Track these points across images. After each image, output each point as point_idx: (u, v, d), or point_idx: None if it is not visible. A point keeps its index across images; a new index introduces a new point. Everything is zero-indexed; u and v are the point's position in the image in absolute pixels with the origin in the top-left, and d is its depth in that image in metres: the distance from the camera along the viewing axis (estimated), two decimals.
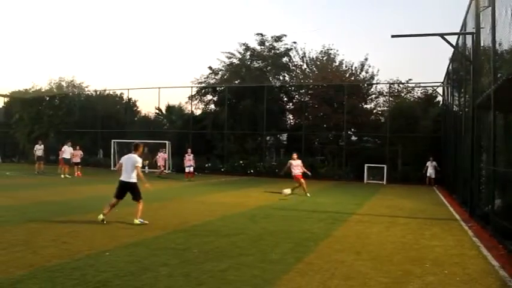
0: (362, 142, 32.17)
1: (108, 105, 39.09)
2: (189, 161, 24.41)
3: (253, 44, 35.13)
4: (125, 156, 10.16)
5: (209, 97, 36.40)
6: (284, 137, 35.39)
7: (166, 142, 30.14)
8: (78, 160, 24.74)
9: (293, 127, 34.27)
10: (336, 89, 30.81)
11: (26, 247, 6.90)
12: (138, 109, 42.04)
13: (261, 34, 34.87)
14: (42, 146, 26.45)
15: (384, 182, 25.66)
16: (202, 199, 14.89)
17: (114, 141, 32.49)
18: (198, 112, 36.36)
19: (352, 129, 31.79)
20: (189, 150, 24.86)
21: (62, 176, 23.03)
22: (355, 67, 33.04)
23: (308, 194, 16.82)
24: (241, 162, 30.63)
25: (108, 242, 7.41)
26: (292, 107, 35.41)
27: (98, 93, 40.40)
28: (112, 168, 31.51)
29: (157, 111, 39.27)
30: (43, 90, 40.10)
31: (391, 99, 31.27)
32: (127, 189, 9.89)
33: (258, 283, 5.37)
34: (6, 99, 44.12)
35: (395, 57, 69.36)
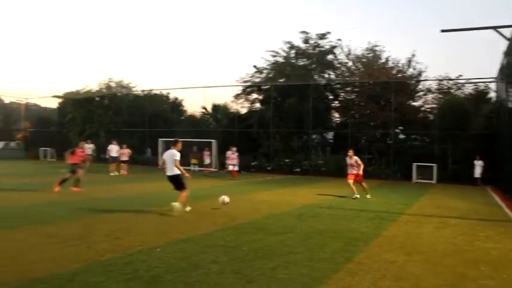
0: (410, 140, 31.37)
1: (155, 104, 39.88)
2: (233, 159, 24.36)
3: (298, 42, 35.00)
4: (166, 153, 10.98)
5: (254, 96, 36.56)
6: (330, 135, 35.09)
7: (213, 141, 30.49)
8: (126, 158, 25.49)
9: (339, 125, 33.91)
10: (382, 86, 30.24)
11: (80, 241, 7.16)
12: (184, 108, 42.71)
13: (306, 32, 34.70)
14: (92, 145, 27.36)
15: (433, 182, 25.00)
16: (249, 197, 14.99)
17: (161, 140, 33.15)
18: (243, 111, 36.57)
19: (400, 127, 31.11)
20: (234, 149, 24.81)
21: (111, 174, 23.82)
22: (402, 64, 32.28)
23: (367, 196, 16.04)
24: (287, 160, 30.61)
25: (159, 238, 7.58)
26: (338, 104, 35.02)
27: (146, 93, 41.32)
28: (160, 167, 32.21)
29: (203, 110, 39.80)
30: (93, 91, 41.39)
31: (440, 96, 30.40)
32: (172, 182, 10.65)
33: (307, 282, 5.36)
34: (60, 100, 45.86)
35: (444, 53, 67.49)
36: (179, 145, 11.03)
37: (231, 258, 6.38)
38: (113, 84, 41.34)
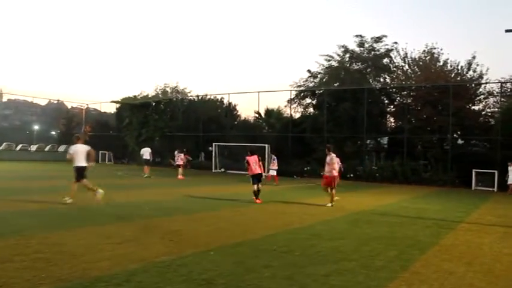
0: (469, 146, 30.30)
1: (209, 109, 40.52)
2: (273, 164, 23.88)
3: (352, 45, 34.63)
4: (76, 147, 13.20)
5: (308, 100, 36.45)
6: (385, 140, 34.43)
7: (266, 145, 30.59)
8: (182, 163, 25.96)
9: (394, 130, 33.22)
10: (440, 89, 29.38)
11: (137, 243, 7.34)
12: (238, 113, 43.16)
13: (360, 35, 34.29)
14: (149, 149, 28.12)
15: (495, 189, 23.97)
16: (302, 202, 14.91)
17: (215, 145, 33.59)
18: (297, 115, 36.56)
19: (458, 132, 30.07)
20: (273, 155, 24.52)
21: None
22: (461, 66, 31.20)
23: (329, 204, 13.91)
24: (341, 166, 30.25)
25: (212, 242, 7.65)
26: (393, 109, 34.36)
27: (200, 98, 42.06)
28: (213, 171, 32.62)
29: (256, 115, 40.04)
30: (150, 96, 42.52)
31: (502, 99, 29.16)
32: (80, 171, 12.64)
33: None
34: (117, 105, 47.43)
35: (508, 54, 64.56)
36: (81, 140, 13.54)
37: (284, 263, 6.35)
38: (168, 90, 42.39)
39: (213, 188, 19.04)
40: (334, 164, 13.96)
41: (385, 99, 34.43)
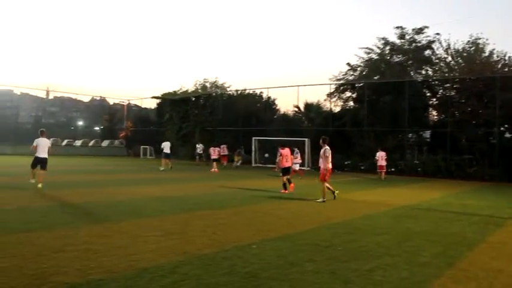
0: None
1: (248, 104, 40.64)
2: (295, 158, 22.87)
3: (393, 38, 34.00)
4: (41, 140, 14.39)
5: (348, 94, 36.09)
6: (427, 134, 33.67)
7: (306, 140, 30.45)
8: (216, 157, 26.60)
9: (437, 124, 32.42)
10: (485, 81, 28.42)
11: (180, 235, 7.46)
12: (277, 107, 43.12)
13: (401, 27, 33.62)
14: (201, 145, 28.65)
15: None
16: (343, 197, 14.74)
17: (254, 139, 33.68)
18: (336, 109, 36.26)
19: (506, 125, 29.05)
20: (296, 148, 23.95)
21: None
22: (509, 57, 30.06)
23: (318, 200, 13.15)
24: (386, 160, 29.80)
25: (254, 235, 7.69)
26: (435, 102, 33.53)
27: (239, 92, 42.23)
28: (253, 165, 32.77)
29: (295, 109, 39.91)
30: (190, 91, 42.99)
31: None
32: (43, 162, 14.13)
33: (407, 286, 5.15)
34: (158, 101, 48.23)
35: None
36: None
37: (327, 257, 6.32)
38: (208, 85, 42.73)
39: (252, 182, 19.11)
40: (328, 157, 13.32)
41: (427, 92, 33.66)
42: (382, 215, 10.96)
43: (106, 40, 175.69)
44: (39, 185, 13.67)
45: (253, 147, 33.83)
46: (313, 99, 39.54)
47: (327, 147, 13.38)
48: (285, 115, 41.77)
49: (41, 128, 15.31)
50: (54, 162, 25.47)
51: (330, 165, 13.48)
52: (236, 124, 37.59)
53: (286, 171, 15.39)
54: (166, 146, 26.31)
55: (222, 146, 32.03)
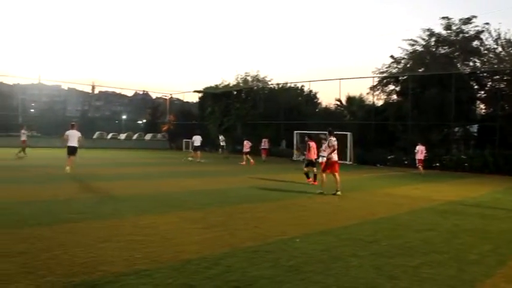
0: None
1: (290, 97, 40.49)
2: (324, 151, 22.74)
3: (439, 29, 32.97)
4: (72, 132, 17.15)
5: (391, 87, 35.31)
6: (474, 128, 32.58)
7: (348, 133, 30.10)
8: (248, 150, 26.89)
9: (485, 117, 31.29)
10: None
11: (224, 228, 7.50)
12: (319, 101, 42.79)
13: (447, 17, 32.51)
14: (200, 137, 29.25)
15: None
16: (387, 191, 14.54)
17: (296, 132, 33.58)
18: (379, 103, 35.60)
19: None
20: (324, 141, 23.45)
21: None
22: None
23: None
24: (425, 155, 29.06)
25: (298, 229, 7.65)
26: (484, 95, 32.34)
27: (281, 86, 42.12)
28: (294, 158, 32.70)
29: (337, 102, 39.48)
30: (231, 85, 43.20)
31: None
32: (74, 151, 17.02)
33: (456, 284, 4.99)
34: (200, 94, 48.73)
35: None
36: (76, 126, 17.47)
37: (371, 252, 6.22)
38: (249, 78, 42.80)
39: (293, 175, 19.03)
40: (330, 148, 13.25)
41: (474, 84, 32.49)
42: (428, 210, 10.69)
43: (149, 35, 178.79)
44: (67, 168, 16.38)
45: (294, 140, 33.74)
46: (355, 92, 38.98)
47: (332, 138, 13.30)
48: (326, 109, 41.41)
49: (72, 122, 18.13)
50: (100, 155, 26.17)
51: (335, 156, 13.34)
52: (277, 118, 37.52)
53: (312, 163, 15.93)
54: (196, 140, 28.06)
55: (263, 139, 32.18)
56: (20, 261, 5.13)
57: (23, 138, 25.22)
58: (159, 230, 7.09)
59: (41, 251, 5.58)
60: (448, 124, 29.71)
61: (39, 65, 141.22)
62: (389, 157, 30.22)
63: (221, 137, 32.01)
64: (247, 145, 27.26)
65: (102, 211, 8.72)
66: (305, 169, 16.11)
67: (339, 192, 12.88)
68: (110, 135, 51.67)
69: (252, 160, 26.08)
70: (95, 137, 49.91)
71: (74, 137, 17.15)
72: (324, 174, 13.46)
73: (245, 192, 12.91)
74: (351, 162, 29.62)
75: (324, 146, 20.20)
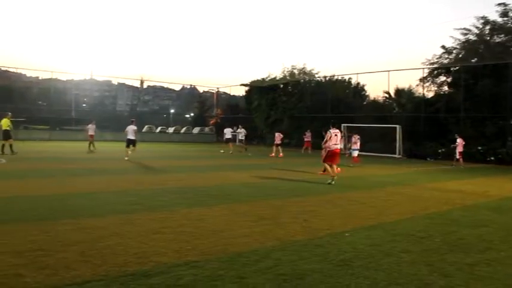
0: None
1: (337, 90, 40.01)
2: (355, 144, 21.79)
3: (494, 16, 31.61)
4: (130, 127, 20.64)
5: (442, 78, 34.25)
6: None
7: (397, 126, 29.47)
8: (279, 142, 27.21)
9: None
10: None
11: (272, 221, 7.52)
12: (367, 93, 42.10)
13: (504, 4, 31.09)
14: (230, 129, 29.61)
15: None
16: (438, 186, 14.14)
17: (343, 126, 33.18)
18: (430, 95, 34.62)
19: None
20: (357, 134, 22.72)
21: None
22: None
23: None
24: (479, 148, 28.06)
25: (347, 223, 7.58)
26: None
27: (327, 78, 41.67)
28: (342, 152, 32.30)
29: (386, 95, 38.68)
30: (278, 78, 43.10)
31: None
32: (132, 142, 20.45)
33: None
34: (246, 88, 48.92)
35: None
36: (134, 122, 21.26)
37: (423, 249, 6.07)
38: (296, 71, 42.54)
39: (343, 169, 18.84)
40: (329, 138, 13.83)
41: None
42: (482, 206, 10.32)
43: (195, 30, 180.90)
44: (126, 158, 19.48)
45: (342, 134, 33.37)
46: (404, 84, 38.10)
47: (332, 129, 13.92)
48: (374, 101, 40.62)
49: (132, 118, 22.28)
50: (149, 148, 26.76)
51: (335, 146, 13.84)
52: (324, 111, 37.16)
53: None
54: (227, 132, 29.55)
55: (306, 132, 32.03)
56: (77, 250, 5.34)
57: (91, 132, 26.18)
58: (208, 223, 7.19)
59: (96, 240, 5.79)
60: (504, 116, 28.49)
61: (91, 61, 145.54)
62: (440, 150, 29.36)
63: (240, 130, 31.79)
64: (278, 137, 27.50)
65: (153, 203, 8.92)
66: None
67: (333, 182, 13.33)
68: (158, 129, 52.66)
69: (281, 153, 26.48)
70: (144, 130, 51.09)
71: (131, 130, 20.55)
72: (326, 164, 14.02)
73: (292, 186, 12.88)
74: (399, 156, 28.97)
75: (353, 139, 19.98)
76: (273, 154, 26.64)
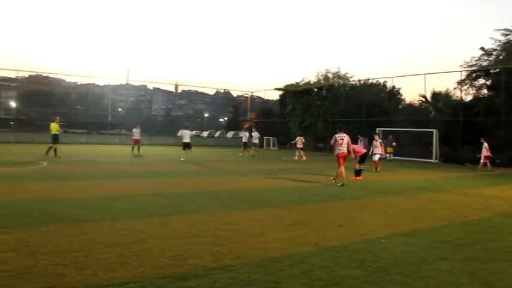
0: None
1: (372, 93, 39.53)
2: (376, 148, 20.63)
3: None
4: (185, 131, 22.95)
5: (481, 81, 33.35)
6: None
7: (433, 130, 28.88)
8: (301, 146, 27.61)
9: None
10: None
11: (308, 226, 7.48)
12: (402, 97, 41.44)
13: None
14: (257, 133, 29.44)
15: None
16: (477, 192, 13.76)
17: (378, 130, 32.76)
18: (468, 98, 33.77)
19: None
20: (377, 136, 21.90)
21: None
22: None
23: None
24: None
25: (383, 229, 7.45)
26: None
27: (362, 82, 41.23)
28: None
29: (422, 98, 37.96)
30: (312, 82, 42.90)
31: None
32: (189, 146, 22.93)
33: None
34: (280, 92, 48.89)
35: None
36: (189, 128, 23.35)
37: (463, 257, 5.89)
38: (330, 75, 42.24)
39: (377, 174, 18.58)
40: (336, 142, 14.27)
41: None
42: None
43: (229, 35, 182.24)
44: (182, 159, 22.28)
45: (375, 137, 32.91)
46: (441, 87, 37.16)
47: (339, 134, 14.28)
48: (410, 105, 39.91)
49: (186, 124, 24.72)
50: (184, 152, 27.04)
51: (343, 151, 14.19)
52: (359, 115, 36.75)
53: (362, 159, 16.25)
54: (243, 136, 30.75)
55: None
56: (115, 251, 5.44)
57: (136, 137, 26.79)
58: (244, 227, 7.20)
59: (133, 242, 5.88)
60: None
61: (128, 66, 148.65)
62: (478, 155, 28.57)
63: (254, 133, 31.34)
64: (300, 141, 27.84)
65: (190, 206, 9.00)
66: (358, 165, 16.18)
67: (335, 182, 14.20)
68: (193, 133, 53.22)
69: (304, 157, 26.87)
70: (178, 134, 51.69)
71: (187, 135, 23.75)
72: (341, 168, 14.16)
73: (326, 190, 12.78)
74: (436, 161, 28.39)
75: (374, 143, 19.63)
76: (296, 157, 27.15)
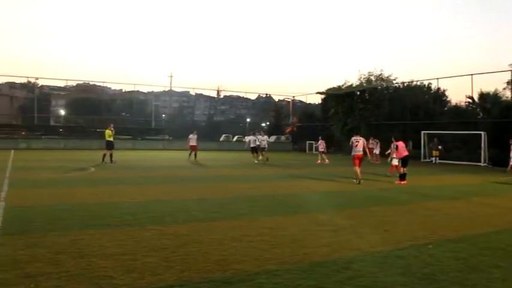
0: None
1: (416, 96, 38.69)
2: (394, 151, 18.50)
3: None
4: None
5: None
6: None
7: (482, 133, 27.98)
8: (323, 149, 27.62)
9: None
10: None
11: (352, 231, 7.41)
12: (448, 99, 40.35)
13: None
14: (266, 136, 28.84)
15: None
16: None
17: (423, 133, 32.05)
18: None
19: None
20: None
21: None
22: None
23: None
24: None
25: (429, 235, 7.28)
26: None
27: (406, 84, 40.42)
28: (421, 160, 31.22)
29: (468, 99, 36.81)
30: (354, 85, 42.36)
31: None
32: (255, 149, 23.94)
33: None
34: (322, 96, 48.56)
35: None
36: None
37: None
38: (372, 78, 41.58)
39: (422, 178, 18.16)
40: (353, 144, 15.33)
41: None
42: None
43: (271, 39, 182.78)
44: (256, 161, 25.00)
45: (422, 141, 32.20)
46: (489, 88, 35.87)
47: (355, 137, 15.64)
48: (456, 107, 38.74)
49: (258, 130, 24.17)
50: (227, 156, 27.31)
51: (358, 152, 15.19)
52: (403, 118, 36.02)
53: (404, 162, 15.93)
54: (252, 141, 28.18)
55: (370, 139, 30.64)
56: (161, 255, 5.57)
57: (193, 143, 27.05)
58: (287, 232, 7.21)
59: (178, 247, 6.00)
60: None
61: (171, 73, 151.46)
62: None
63: (263, 137, 29.62)
64: (321, 144, 27.76)
65: (233, 211, 9.10)
66: (402, 169, 15.91)
67: (356, 181, 15.04)
68: (235, 138, 53.56)
69: (326, 160, 26.78)
70: (221, 139, 52.16)
71: (252, 140, 26.64)
72: (355, 168, 15.19)
73: (369, 194, 12.63)
74: (485, 164, 27.46)
75: (392, 146, 18.96)
76: (319, 161, 27.15)
